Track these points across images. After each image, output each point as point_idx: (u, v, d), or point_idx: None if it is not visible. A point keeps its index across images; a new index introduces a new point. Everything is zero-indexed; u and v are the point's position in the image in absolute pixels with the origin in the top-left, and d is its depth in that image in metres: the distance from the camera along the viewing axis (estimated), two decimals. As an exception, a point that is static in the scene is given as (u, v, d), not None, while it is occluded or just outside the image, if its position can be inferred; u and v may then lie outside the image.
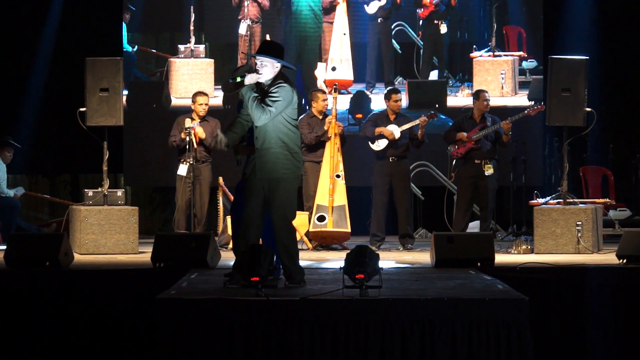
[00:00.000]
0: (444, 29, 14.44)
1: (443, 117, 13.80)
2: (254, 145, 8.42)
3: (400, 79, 14.54)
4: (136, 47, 14.43)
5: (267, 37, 13.82)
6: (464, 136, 11.83)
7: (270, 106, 8.08)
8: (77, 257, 10.40)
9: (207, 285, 8.37)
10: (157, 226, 14.79)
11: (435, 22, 14.45)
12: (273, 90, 8.12)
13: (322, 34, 14.36)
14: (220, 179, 12.32)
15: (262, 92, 8.16)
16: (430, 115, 11.90)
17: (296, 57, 14.29)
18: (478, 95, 11.99)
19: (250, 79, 8.16)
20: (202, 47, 14.44)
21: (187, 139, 11.70)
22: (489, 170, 11.80)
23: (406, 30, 14.55)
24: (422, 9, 14.43)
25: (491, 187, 11.87)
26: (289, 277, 8.25)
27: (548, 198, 11.64)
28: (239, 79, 8.17)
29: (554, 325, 8.77)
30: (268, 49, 8.26)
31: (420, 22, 14.50)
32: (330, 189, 11.95)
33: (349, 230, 11.96)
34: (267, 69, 8.19)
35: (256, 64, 8.21)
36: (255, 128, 8.22)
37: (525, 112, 11.93)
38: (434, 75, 14.55)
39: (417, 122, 11.83)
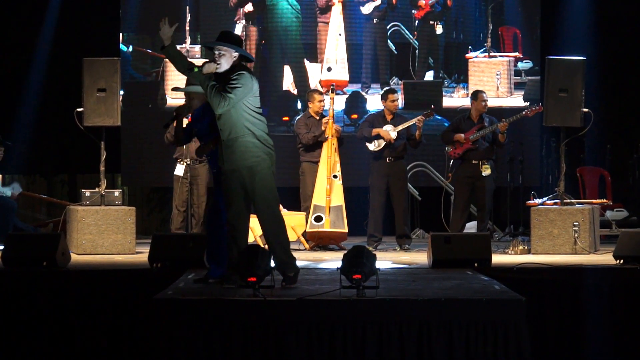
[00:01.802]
0: (439, 29, 14.43)
1: (438, 117, 13.80)
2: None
3: (395, 79, 14.51)
4: (131, 47, 14.40)
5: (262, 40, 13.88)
6: (462, 137, 11.83)
7: (230, 93, 8.00)
8: (75, 257, 10.41)
9: (204, 285, 8.37)
10: (154, 226, 14.77)
11: (431, 22, 14.43)
12: (232, 78, 8.05)
13: (317, 34, 14.35)
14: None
15: (223, 81, 8.10)
16: (426, 114, 11.89)
17: (280, 52, 14.25)
18: (476, 95, 11.99)
19: (207, 67, 8.12)
20: (197, 48, 14.41)
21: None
22: (486, 171, 11.79)
23: (402, 30, 14.54)
24: (418, 10, 14.43)
25: (488, 187, 11.86)
26: (283, 274, 8.21)
27: (545, 198, 11.65)
28: (196, 69, 8.15)
29: (551, 325, 8.77)
30: (225, 38, 8.24)
31: (416, 22, 14.48)
32: (328, 189, 11.95)
33: (346, 230, 11.96)
34: (225, 58, 8.12)
35: (215, 53, 8.18)
36: (218, 120, 8.14)
37: (524, 112, 11.92)
38: (429, 75, 14.54)
39: (413, 121, 11.82)
